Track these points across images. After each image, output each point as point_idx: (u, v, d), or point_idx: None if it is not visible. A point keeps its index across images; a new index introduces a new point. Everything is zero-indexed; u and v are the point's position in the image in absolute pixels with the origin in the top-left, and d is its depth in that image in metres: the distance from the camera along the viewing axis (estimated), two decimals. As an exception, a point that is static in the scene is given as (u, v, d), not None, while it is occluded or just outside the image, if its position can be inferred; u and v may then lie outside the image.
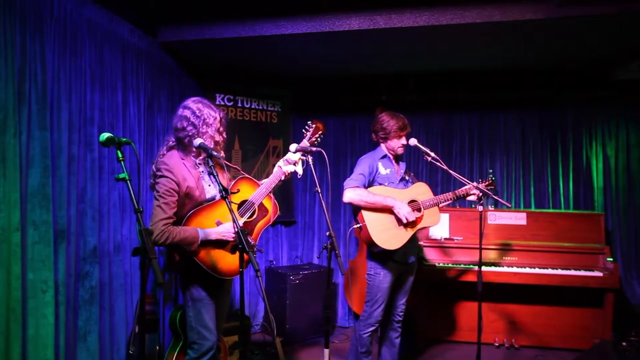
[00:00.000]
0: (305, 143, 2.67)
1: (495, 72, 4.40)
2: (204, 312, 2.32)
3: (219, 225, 2.33)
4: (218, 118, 2.38)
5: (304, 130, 2.72)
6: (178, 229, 2.18)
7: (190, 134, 2.29)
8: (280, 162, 2.62)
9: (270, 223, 2.58)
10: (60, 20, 2.52)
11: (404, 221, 2.88)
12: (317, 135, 2.71)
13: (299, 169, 2.65)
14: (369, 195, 2.86)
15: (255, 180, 2.57)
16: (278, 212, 2.62)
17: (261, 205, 2.52)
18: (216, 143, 2.38)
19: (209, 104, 2.39)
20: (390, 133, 3.00)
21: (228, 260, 2.35)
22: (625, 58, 3.94)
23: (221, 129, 2.41)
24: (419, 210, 2.95)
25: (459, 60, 4.08)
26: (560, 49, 3.71)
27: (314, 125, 2.71)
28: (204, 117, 2.32)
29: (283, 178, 2.59)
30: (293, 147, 2.65)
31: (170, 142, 2.38)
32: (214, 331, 2.34)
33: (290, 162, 2.61)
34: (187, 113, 2.31)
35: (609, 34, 3.33)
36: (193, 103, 2.35)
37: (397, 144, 3.02)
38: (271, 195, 2.58)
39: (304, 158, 2.64)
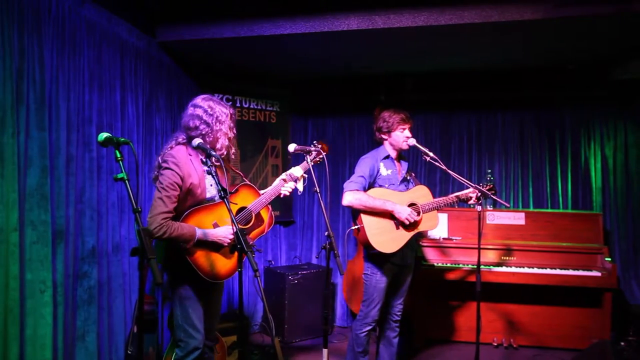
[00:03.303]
0: (308, 162, 2.66)
1: (493, 72, 4.41)
2: (191, 311, 2.31)
3: (216, 227, 2.33)
4: (229, 114, 2.39)
5: (312, 147, 2.69)
6: (176, 225, 2.17)
7: (203, 132, 2.29)
8: (283, 176, 2.64)
9: (264, 233, 2.60)
10: (58, 20, 2.52)
11: (406, 223, 2.88)
12: (320, 157, 2.69)
13: (300, 186, 2.69)
14: (369, 199, 2.86)
15: (257, 189, 2.58)
16: (273, 223, 2.64)
17: (258, 214, 2.53)
18: (229, 140, 2.40)
19: (219, 101, 2.39)
20: (393, 125, 2.98)
21: (221, 264, 2.36)
22: (624, 58, 3.95)
23: (232, 124, 2.42)
24: (417, 214, 2.94)
25: (457, 61, 4.08)
26: (558, 49, 3.72)
27: (319, 146, 2.71)
28: (217, 114, 2.32)
29: (282, 196, 2.60)
30: (292, 147, 2.65)
31: (180, 139, 2.35)
32: (200, 330, 2.34)
33: (293, 178, 2.63)
34: (199, 112, 2.30)
35: (607, 34, 3.33)
36: (203, 101, 2.35)
37: (401, 137, 2.99)
38: (269, 206, 2.59)
39: (306, 176, 2.69)
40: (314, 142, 2.73)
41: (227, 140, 2.38)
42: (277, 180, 2.65)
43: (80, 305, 2.68)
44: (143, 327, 2.66)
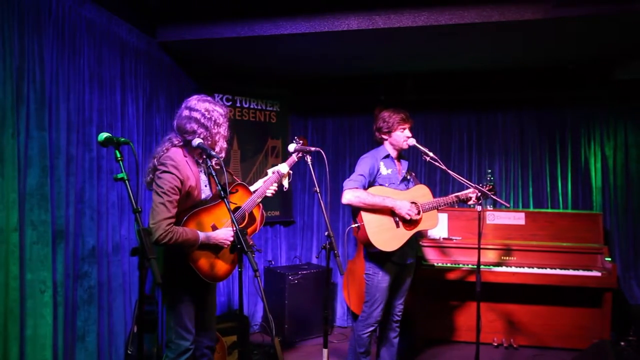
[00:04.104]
0: (294, 158, 2.71)
1: (493, 72, 4.41)
2: (184, 313, 2.30)
3: (214, 229, 2.33)
4: (226, 115, 2.36)
5: (294, 141, 2.72)
6: (181, 230, 2.15)
7: (201, 137, 2.24)
8: (270, 172, 2.66)
9: (256, 231, 2.61)
10: (58, 20, 2.52)
11: (407, 218, 2.88)
12: (303, 151, 2.70)
13: (285, 183, 2.71)
14: (368, 196, 2.86)
15: (249, 189, 2.59)
16: (264, 221, 2.65)
17: (251, 213, 2.54)
18: (227, 141, 2.39)
19: (214, 101, 2.35)
20: (393, 125, 2.98)
21: (220, 265, 2.36)
22: (624, 58, 3.95)
23: (227, 123, 2.40)
24: (417, 213, 2.95)
25: (457, 61, 4.08)
26: (558, 49, 3.72)
27: (301, 141, 2.73)
28: (215, 118, 2.28)
29: (270, 195, 2.62)
30: (292, 147, 2.66)
31: (176, 142, 2.29)
32: (192, 331, 2.33)
33: (280, 175, 2.65)
34: (197, 115, 2.25)
35: (607, 34, 3.33)
36: (199, 103, 2.29)
37: (402, 136, 2.99)
38: (260, 204, 2.61)
39: (291, 172, 2.72)
40: (295, 137, 2.75)
41: (225, 142, 2.35)
42: (262, 180, 2.66)
43: (81, 305, 2.68)
44: (143, 327, 2.66)
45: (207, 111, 2.27)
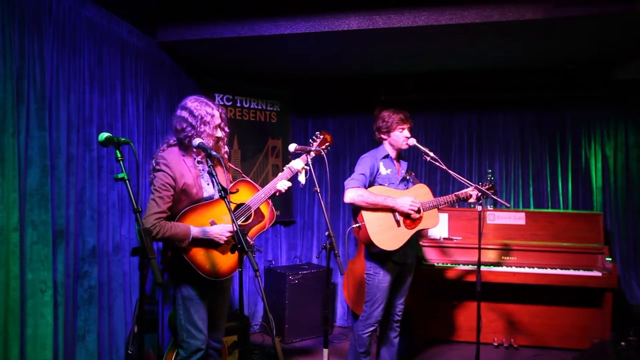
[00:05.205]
0: (312, 150, 2.66)
1: (494, 72, 4.41)
2: (193, 311, 2.32)
3: (213, 225, 2.33)
4: (216, 115, 2.37)
5: (310, 140, 2.71)
6: (170, 224, 2.19)
7: (189, 134, 2.30)
8: (285, 169, 2.62)
9: (265, 229, 2.58)
10: (59, 20, 2.52)
11: (409, 213, 2.88)
12: (324, 146, 2.70)
13: (302, 178, 2.67)
14: (370, 195, 2.86)
15: (255, 185, 2.57)
16: (274, 219, 2.62)
17: (258, 210, 2.52)
18: (217, 140, 2.40)
19: (206, 101, 2.38)
20: (392, 125, 2.98)
21: (222, 262, 2.35)
22: (624, 58, 3.95)
23: (222, 124, 2.41)
24: (418, 211, 2.95)
25: (458, 60, 4.08)
26: (559, 49, 3.71)
27: (321, 136, 2.71)
28: (201, 115, 2.31)
29: (277, 194, 2.58)
30: (292, 146, 2.65)
31: (172, 141, 2.38)
32: (203, 330, 2.34)
33: (293, 172, 2.62)
34: (185, 114, 2.31)
35: (607, 33, 3.33)
36: (190, 102, 2.35)
37: (400, 136, 2.99)
38: (269, 202, 2.58)
39: (307, 168, 2.66)
40: (316, 132, 2.73)
41: (211, 141, 2.36)
42: (279, 175, 2.64)
43: (81, 305, 2.68)
44: (143, 327, 2.66)
45: (194, 109, 2.32)
